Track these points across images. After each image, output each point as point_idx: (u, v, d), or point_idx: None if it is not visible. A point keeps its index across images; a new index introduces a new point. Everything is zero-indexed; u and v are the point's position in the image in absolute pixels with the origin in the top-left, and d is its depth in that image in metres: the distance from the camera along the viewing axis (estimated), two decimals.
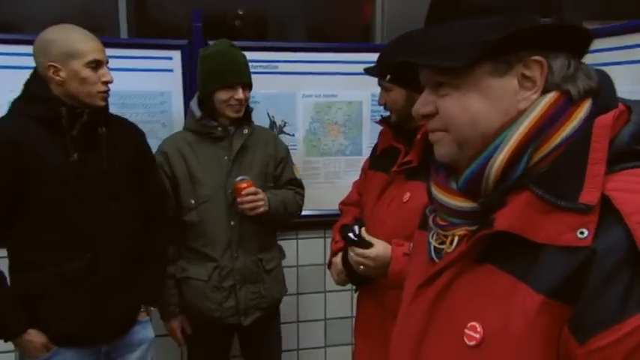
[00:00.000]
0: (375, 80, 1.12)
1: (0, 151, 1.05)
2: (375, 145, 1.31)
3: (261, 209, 1.33)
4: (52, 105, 1.09)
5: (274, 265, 1.45)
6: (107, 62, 1.14)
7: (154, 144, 1.36)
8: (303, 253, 1.72)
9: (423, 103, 0.52)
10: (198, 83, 1.35)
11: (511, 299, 0.45)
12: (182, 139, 1.37)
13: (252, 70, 1.34)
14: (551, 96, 0.45)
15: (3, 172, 1.05)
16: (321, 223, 1.65)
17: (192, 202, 1.34)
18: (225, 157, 1.35)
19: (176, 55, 1.53)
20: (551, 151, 0.45)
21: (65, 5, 1.54)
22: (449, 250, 0.54)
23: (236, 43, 1.33)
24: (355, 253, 1.02)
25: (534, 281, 0.42)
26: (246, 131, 1.36)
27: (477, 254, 0.49)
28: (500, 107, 0.47)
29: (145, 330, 1.30)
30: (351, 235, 1.01)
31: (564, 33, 0.46)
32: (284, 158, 1.44)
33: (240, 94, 1.28)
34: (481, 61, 0.45)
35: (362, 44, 1.73)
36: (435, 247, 0.57)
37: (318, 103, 1.61)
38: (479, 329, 0.48)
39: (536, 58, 0.45)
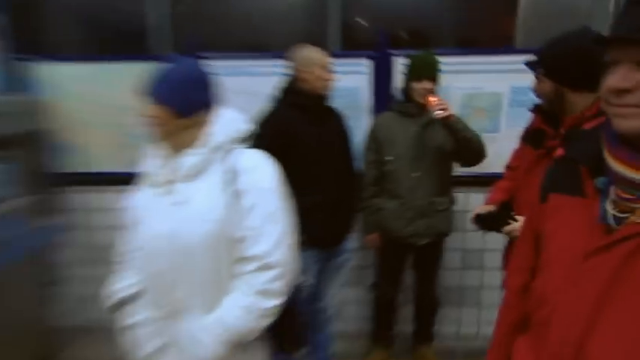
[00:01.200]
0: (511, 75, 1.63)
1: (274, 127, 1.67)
2: (530, 123, 1.58)
3: (449, 112, 1.69)
4: (304, 95, 1.69)
5: (444, 208, 1.92)
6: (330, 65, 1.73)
7: (349, 124, 1.91)
8: (472, 202, 2.14)
9: (622, 79, 0.51)
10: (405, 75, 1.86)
11: None
12: (388, 116, 1.92)
13: None
14: None
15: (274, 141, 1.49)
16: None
17: (389, 157, 1.88)
18: (414, 129, 1.84)
19: (368, 62, 2.15)
20: None
21: (295, 32, 2.34)
22: (639, 221, 0.54)
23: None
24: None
25: None
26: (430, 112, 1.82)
27: None
28: None
29: (352, 242, 1.91)
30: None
31: None
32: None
33: (425, 85, 1.77)
34: None
35: (504, 49, 2.23)
36: (614, 215, 0.57)
37: (467, 94, 2.17)
38: None
39: None
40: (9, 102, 1.94)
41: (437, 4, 2.31)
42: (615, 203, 0.57)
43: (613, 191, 0.58)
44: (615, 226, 0.57)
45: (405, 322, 2.25)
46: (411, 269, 2.08)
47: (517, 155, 1.61)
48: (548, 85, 1.26)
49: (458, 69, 2.12)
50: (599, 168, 0.60)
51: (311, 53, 1.70)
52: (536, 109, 1.42)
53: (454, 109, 1.84)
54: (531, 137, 1.44)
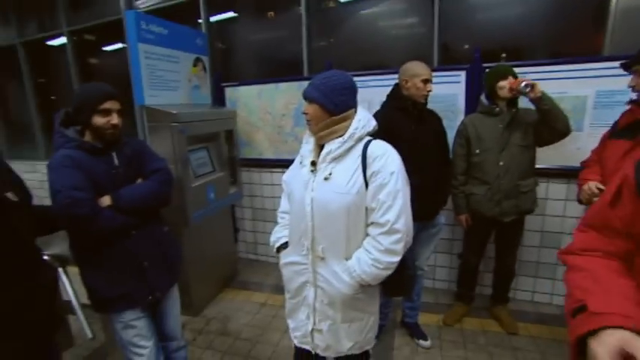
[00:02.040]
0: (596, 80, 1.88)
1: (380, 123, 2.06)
2: (616, 121, 1.71)
3: (538, 87, 1.92)
4: (405, 100, 2.00)
5: (528, 190, 2.17)
6: (431, 79, 1.99)
7: (447, 124, 2.26)
8: (552, 191, 2.56)
9: None
10: (486, 80, 2.18)
11: None
12: (474, 116, 2.24)
13: None
14: None
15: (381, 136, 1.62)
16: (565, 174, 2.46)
17: (477, 151, 2.18)
18: (500, 125, 2.12)
19: (462, 74, 2.66)
20: None
21: (404, 52, 2.97)
22: None
23: (507, 63, 2.36)
24: None
25: None
26: (513, 110, 2.13)
27: None
28: None
29: (441, 217, 2.24)
30: None
31: None
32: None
33: (510, 80, 2.06)
34: None
35: (591, 57, 2.45)
36: None
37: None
38: None
39: None
40: (214, 112, 3.01)
41: (527, 20, 2.64)
42: None
43: None
44: None
45: (483, 287, 2.75)
46: (492, 242, 2.48)
47: (597, 151, 1.84)
48: None
49: (544, 76, 2.42)
50: None
51: (413, 67, 1.98)
52: (634, 102, 1.56)
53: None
54: (626, 130, 1.58)
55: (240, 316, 2.77)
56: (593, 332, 0.63)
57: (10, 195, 1.05)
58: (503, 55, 2.72)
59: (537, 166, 2.27)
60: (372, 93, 2.86)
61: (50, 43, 4.64)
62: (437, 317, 2.64)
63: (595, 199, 1.65)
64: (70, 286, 1.68)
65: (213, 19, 3.58)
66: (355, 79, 2.88)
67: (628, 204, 0.71)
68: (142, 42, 2.46)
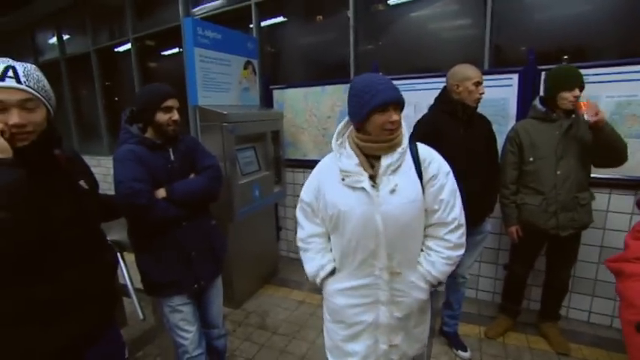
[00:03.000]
0: None
1: (427, 127, 1.97)
2: None
3: (601, 115, 1.80)
4: (454, 104, 1.97)
5: (586, 202, 2.06)
6: (482, 81, 1.95)
7: (496, 129, 2.20)
8: (613, 203, 2.37)
9: None
10: (549, 85, 2.02)
11: None
12: (527, 122, 2.13)
13: None
14: None
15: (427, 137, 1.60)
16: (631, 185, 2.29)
17: (531, 159, 2.07)
18: (557, 132, 2.01)
19: (515, 76, 2.55)
20: None
21: (454, 55, 2.90)
22: None
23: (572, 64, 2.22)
24: None
25: None
26: (572, 116, 2.00)
27: None
28: None
29: (487, 224, 2.21)
30: None
31: None
32: None
33: (576, 93, 1.92)
34: None
35: None
36: None
37: (619, 101, 2.31)
38: None
39: None
40: (262, 113, 3.13)
41: (592, 18, 2.47)
42: None
43: None
44: None
45: (531, 301, 2.60)
46: (543, 255, 2.33)
47: None
48: None
49: (611, 78, 2.28)
50: None
51: (464, 70, 1.95)
52: None
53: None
54: None
55: (279, 311, 2.84)
56: None
57: (82, 183, 1.18)
58: (565, 57, 2.56)
59: (599, 175, 2.12)
60: (419, 96, 2.83)
61: (117, 49, 5.08)
62: (478, 329, 2.54)
63: None
64: (127, 271, 1.83)
65: (264, 23, 3.72)
66: (402, 82, 2.96)
67: None
68: (197, 46, 2.62)
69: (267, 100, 3.55)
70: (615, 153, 1.92)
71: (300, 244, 1.43)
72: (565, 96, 1.97)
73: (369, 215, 1.20)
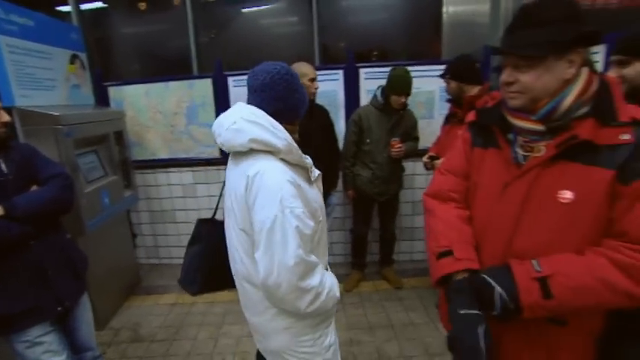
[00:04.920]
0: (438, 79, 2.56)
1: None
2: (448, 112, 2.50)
3: (402, 155, 2.58)
4: None
5: (399, 177, 2.76)
6: (316, 77, 2.34)
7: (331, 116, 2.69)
8: (417, 168, 3.05)
9: (508, 76, 0.83)
10: (387, 85, 2.53)
11: (592, 175, 0.76)
12: (368, 109, 2.60)
13: None
14: (586, 69, 0.79)
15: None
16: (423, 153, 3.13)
17: (368, 140, 2.59)
18: (388, 122, 2.57)
19: (340, 72, 3.03)
20: (589, 96, 0.78)
21: (291, 52, 3.24)
22: (538, 154, 0.82)
23: (381, 63, 2.87)
24: None
25: (605, 163, 0.74)
26: (400, 112, 2.58)
27: (563, 155, 0.78)
28: (557, 78, 0.79)
29: (333, 197, 2.76)
30: None
31: (594, 35, 0.75)
32: (414, 126, 2.74)
33: (402, 99, 2.50)
34: (550, 52, 0.77)
35: (433, 60, 3.13)
36: (523, 155, 0.86)
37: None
38: (570, 194, 0.78)
39: (580, 50, 0.77)
40: (100, 113, 2.81)
41: (389, 24, 3.21)
42: (522, 147, 0.86)
43: (518, 140, 0.86)
44: (523, 162, 0.85)
45: (372, 255, 3.25)
46: (376, 216, 2.99)
47: (442, 133, 2.50)
48: (453, 85, 2.22)
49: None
50: (504, 128, 0.90)
51: (301, 67, 2.22)
52: (449, 100, 2.32)
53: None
54: (448, 118, 2.40)
55: (152, 319, 2.71)
56: (455, 272, 0.91)
57: None
58: (375, 52, 3.24)
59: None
60: None
61: None
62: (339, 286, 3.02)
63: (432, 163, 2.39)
64: None
65: (84, 7, 3.28)
66: (242, 78, 3.13)
67: (465, 153, 1.03)
68: (3, 34, 2.18)
69: (102, 98, 3.19)
70: (412, 155, 2.75)
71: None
72: (394, 99, 2.52)
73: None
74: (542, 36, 0.77)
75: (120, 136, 2.98)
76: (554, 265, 0.79)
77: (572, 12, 0.77)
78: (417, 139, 2.80)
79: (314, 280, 1.07)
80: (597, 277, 0.75)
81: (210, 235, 1.82)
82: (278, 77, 1.10)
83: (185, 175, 3.22)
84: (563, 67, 0.78)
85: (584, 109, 0.79)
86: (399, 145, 2.57)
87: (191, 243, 1.91)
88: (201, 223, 1.94)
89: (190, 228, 1.93)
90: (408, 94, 2.53)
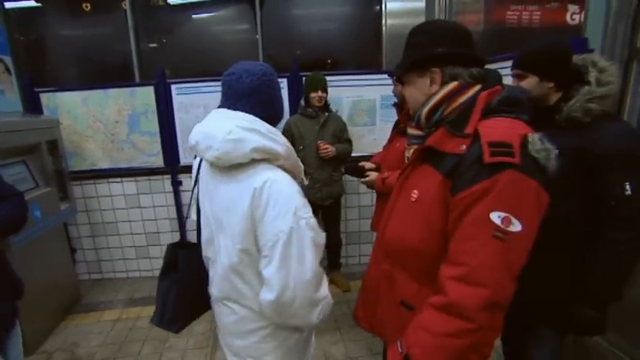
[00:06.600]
0: (380, 87, 2.65)
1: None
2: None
3: (331, 154, 2.62)
4: None
5: (338, 179, 2.78)
6: None
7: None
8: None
9: (399, 90, 1.47)
10: (304, 88, 2.66)
11: (431, 178, 0.85)
12: (297, 117, 2.71)
13: None
14: (453, 84, 0.86)
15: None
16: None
17: (301, 147, 2.63)
18: (316, 126, 2.65)
19: (285, 80, 3.03)
20: (455, 108, 0.84)
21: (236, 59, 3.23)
22: (408, 156, 0.98)
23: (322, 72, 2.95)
24: None
25: (440, 169, 0.82)
26: (326, 114, 2.69)
27: (421, 158, 0.90)
28: (423, 92, 0.90)
29: None
30: None
31: (450, 56, 0.85)
32: (344, 129, 2.81)
33: (319, 94, 2.60)
34: (411, 70, 0.91)
35: (375, 70, 3.29)
36: (407, 157, 1.02)
37: (353, 100, 3.21)
38: (416, 193, 0.89)
39: (434, 69, 0.86)
40: (29, 121, 2.64)
41: (335, 35, 3.31)
42: (408, 149, 1.03)
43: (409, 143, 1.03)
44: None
45: (323, 260, 3.30)
46: (322, 221, 3.00)
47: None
48: (400, 88, 2.00)
49: (349, 83, 3.10)
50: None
51: None
52: (395, 105, 2.19)
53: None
54: (395, 125, 2.19)
55: (91, 338, 2.59)
56: None
57: None
58: (329, 60, 3.34)
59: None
60: (207, 98, 3.03)
61: None
62: None
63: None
64: None
65: (9, 5, 3.08)
66: (189, 85, 3.10)
67: None
68: None
69: (32, 105, 3.01)
70: (345, 157, 2.78)
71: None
72: (312, 96, 2.63)
73: None
74: (408, 58, 0.92)
75: (54, 145, 2.83)
76: (409, 339, 0.82)
77: (436, 37, 0.88)
78: (348, 141, 2.87)
79: (324, 289, 1.05)
80: (434, 334, 0.77)
81: (189, 261, 1.39)
82: (266, 79, 1.05)
83: (128, 186, 3.12)
84: (426, 83, 0.89)
85: (448, 118, 0.85)
86: (326, 145, 2.64)
87: (164, 272, 1.43)
88: (174, 248, 1.47)
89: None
90: (323, 88, 2.64)
